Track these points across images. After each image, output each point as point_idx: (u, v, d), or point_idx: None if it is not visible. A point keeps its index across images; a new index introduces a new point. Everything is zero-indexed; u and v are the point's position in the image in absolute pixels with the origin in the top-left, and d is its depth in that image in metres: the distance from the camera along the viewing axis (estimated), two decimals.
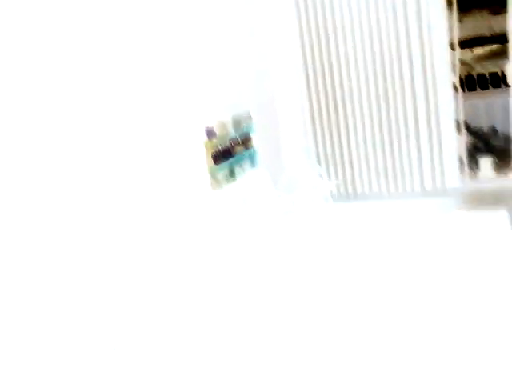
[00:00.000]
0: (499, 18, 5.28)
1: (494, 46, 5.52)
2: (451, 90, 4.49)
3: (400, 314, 2.80)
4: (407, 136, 4.66)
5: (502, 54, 5.37)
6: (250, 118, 4.03)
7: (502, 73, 5.43)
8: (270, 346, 2.57)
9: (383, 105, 4.65)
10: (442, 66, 4.41)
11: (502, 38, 5.23)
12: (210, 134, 3.42)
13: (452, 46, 4.50)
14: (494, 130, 5.87)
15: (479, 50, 5.59)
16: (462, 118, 4.80)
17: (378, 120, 4.70)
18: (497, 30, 5.42)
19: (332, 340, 2.57)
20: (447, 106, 4.51)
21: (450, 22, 4.39)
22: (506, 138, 5.45)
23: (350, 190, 4.95)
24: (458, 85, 4.64)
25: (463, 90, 4.66)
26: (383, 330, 2.63)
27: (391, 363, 2.31)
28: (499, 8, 4.69)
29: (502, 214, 4.19)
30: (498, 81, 5.56)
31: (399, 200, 4.80)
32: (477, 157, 5.32)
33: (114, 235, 2.41)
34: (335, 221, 4.39)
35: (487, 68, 5.37)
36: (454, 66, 4.60)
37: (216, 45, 3.67)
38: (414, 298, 2.97)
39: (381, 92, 4.62)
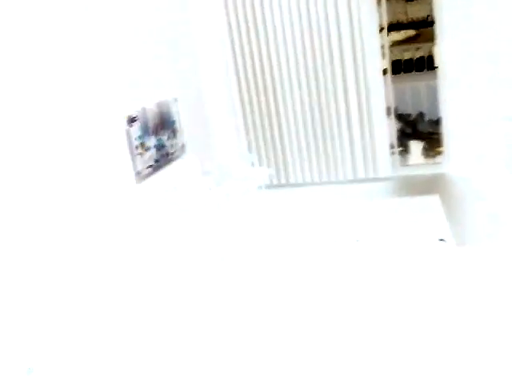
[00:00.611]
0: (415, 4, 5.37)
1: (411, 32, 5.58)
2: (381, 76, 4.42)
3: (326, 297, 2.72)
4: (339, 124, 4.56)
5: (416, 38, 5.45)
6: (175, 105, 3.76)
7: (427, 57, 5.47)
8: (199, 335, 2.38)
9: (314, 92, 4.51)
10: (372, 50, 4.32)
11: (417, 24, 5.31)
12: (132, 122, 3.13)
13: (380, 30, 4.43)
14: (422, 115, 5.93)
15: (396, 36, 5.64)
16: (392, 104, 4.76)
17: (310, 108, 4.56)
18: (413, 16, 5.52)
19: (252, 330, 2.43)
20: (378, 92, 4.44)
21: (378, 6, 4.30)
22: (434, 122, 5.51)
23: (283, 179, 4.80)
24: (389, 69, 4.58)
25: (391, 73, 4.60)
26: (308, 317, 2.52)
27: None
28: None
29: (434, 199, 4.21)
30: (423, 65, 5.62)
31: (332, 186, 4.72)
32: (407, 143, 5.33)
33: (35, 228, 2.18)
34: (268, 208, 4.25)
35: (410, 53, 5.42)
36: (383, 50, 4.54)
37: (140, 32, 3.36)
38: (343, 285, 2.88)
39: (311, 80, 4.47)
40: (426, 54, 5.40)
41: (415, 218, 3.89)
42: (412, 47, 5.39)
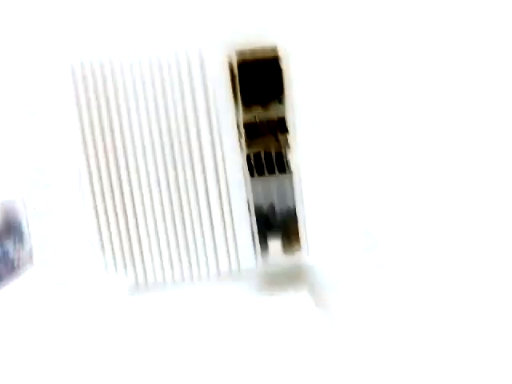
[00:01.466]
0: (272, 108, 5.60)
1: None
2: (241, 172, 4.46)
3: None
4: (200, 220, 4.43)
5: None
6: (22, 205, 3.29)
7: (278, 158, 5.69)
8: None
9: (173, 189, 4.36)
10: (232, 149, 4.37)
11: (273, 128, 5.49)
12: None
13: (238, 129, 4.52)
14: (272, 207, 6.07)
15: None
16: (249, 199, 4.80)
17: (169, 205, 4.38)
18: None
19: None
20: (238, 187, 4.45)
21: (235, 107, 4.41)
22: (286, 213, 5.65)
23: (142, 280, 4.44)
24: (246, 167, 4.65)
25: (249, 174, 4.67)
26: None
27: None
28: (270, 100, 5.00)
29: (303, 295, 4.21)
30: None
31: (195, 287, 4.50)
32: (265, 237, 5.36)
33: None
34: (130, 316, 3.88)
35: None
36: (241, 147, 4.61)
37: None
38: None
39: (171, 176, 4.33)
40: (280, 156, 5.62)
41: (287, 316, 3.84)
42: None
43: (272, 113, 5.08)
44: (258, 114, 5.10)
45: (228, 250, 4.54)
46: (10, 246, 3.03)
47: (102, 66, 4.13)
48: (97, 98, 4.16)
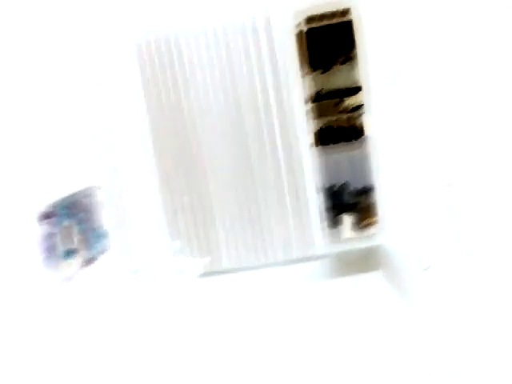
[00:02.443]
0: (338, 73, 5.22)
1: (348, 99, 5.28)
2: (309, 150, 4.20)
3: None
4: (268, 203, 4.22)
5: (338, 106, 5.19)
6: (97, 194, 3.19)
7: (352, 125, 5.34)
8: None
9: (242, 172, 4.17)
10: (300, 125, 4.11)
11: (342, 93, 5.15)
12: (47, 219, 2.53)
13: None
14: (347, 186, 5.78)
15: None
16: (319, 178, 4.53)
17: (239, 189, 4.19)
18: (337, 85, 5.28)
19: None
20: (307, 167, 4.21)
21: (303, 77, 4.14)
22: (359, 193, 5.37)
23: (216, 266, 4.30)
24: (314, 142, 4.37)
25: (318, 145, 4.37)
26: None
27: None
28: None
29: (377, 275, 3.95)
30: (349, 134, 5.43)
31: (268, 270, 4.34)
32: (336, 217, 5.09)
33: None
34: (203, 298, 3.79)
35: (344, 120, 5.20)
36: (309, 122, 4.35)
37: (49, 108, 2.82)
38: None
39: (240, 158, 4.14)
40: (352, 122, 5.26)
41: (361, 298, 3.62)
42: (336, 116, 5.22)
43: (342, 78, 4.75)
44: (328, 79, 4.79)
45: (299, 233, 4.31)
46: (86, 231, 2.95)
47: (167, 42, 3.95)
48: (164, 77, 4.01)
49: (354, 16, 3.93)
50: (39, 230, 2.45)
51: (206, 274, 4.16)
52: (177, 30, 3.93)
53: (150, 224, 4.21)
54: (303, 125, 4.13)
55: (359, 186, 5.34)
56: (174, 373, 2.94)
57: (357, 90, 4.52)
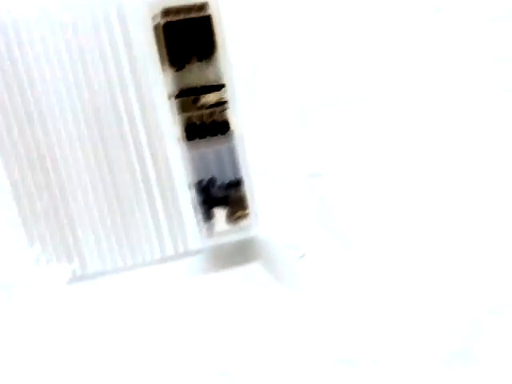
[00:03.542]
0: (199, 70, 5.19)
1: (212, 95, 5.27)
2: (177, 145, 4.12)
3: None
4: (139, 202, 4.07)
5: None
6: None
7: (214, 121, 5.34)
8: None
9: (102, 173, 3.96)
10: (165, 119, 4.01)
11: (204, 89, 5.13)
12: None
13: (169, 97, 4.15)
14: (213, 181, 5.79)
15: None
16: (189, 173, 4.48)
17: (102, 187, 3.98)
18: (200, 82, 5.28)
19: None
20: (175, 164, 4.12)
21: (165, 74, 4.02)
22: (228, 187, 5.40)
23: (82, 271, 4.04)
24: (181, 137, 4.30)
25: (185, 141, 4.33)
26: None
27: None
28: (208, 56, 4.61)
29: (254, 267, 4.02)
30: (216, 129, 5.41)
31: (143, 270, 4.19)
32: (208, 211, 5.07)
33: None
34: (73, 305, 3.56)
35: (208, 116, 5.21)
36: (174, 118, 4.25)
37: None
38: None
39: (100, 159, 3.92)
40: (213, 118, 5.29)
41: (240, 289, 3.64)
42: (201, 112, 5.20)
43: (204, 74, 4.72)
44: (190, 75, 4.73)
45: (171, 231, 4.23)
46: None
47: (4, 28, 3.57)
48: (4, 73, 3.63)
49: (212, 11, 3.89)
50: None
51: (73, 280, 3.91)
52: (16, 20, 3.57)
53: (6, 233, 3.84)
54: (167, 121, 4.03)
55: (227, 179, 5.37)
56: None
57: (219, 87, 4.52)
